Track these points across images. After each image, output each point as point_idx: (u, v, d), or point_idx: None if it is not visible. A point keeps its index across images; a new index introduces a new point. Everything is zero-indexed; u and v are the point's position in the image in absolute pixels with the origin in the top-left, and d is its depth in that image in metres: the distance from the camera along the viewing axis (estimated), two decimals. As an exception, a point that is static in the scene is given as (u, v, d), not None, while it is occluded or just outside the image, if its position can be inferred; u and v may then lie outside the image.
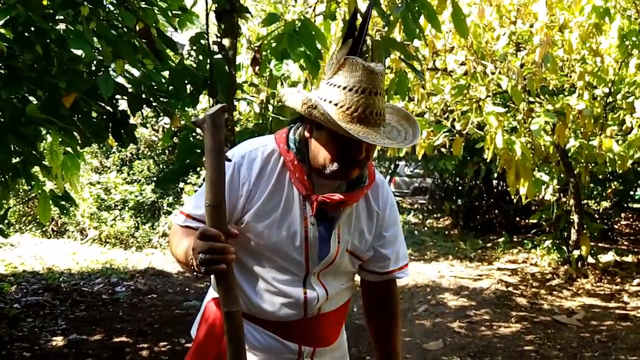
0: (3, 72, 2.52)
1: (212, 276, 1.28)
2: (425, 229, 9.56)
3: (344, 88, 1.19)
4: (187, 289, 5.23)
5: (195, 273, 1.15)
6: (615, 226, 8.58)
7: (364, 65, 1.19)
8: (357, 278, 1.51)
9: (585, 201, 6.89)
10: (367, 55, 1.26)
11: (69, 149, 3.50)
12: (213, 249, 1.07)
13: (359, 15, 1.30)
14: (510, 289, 5.42)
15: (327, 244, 1.32)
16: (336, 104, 1.19)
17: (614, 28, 4.33)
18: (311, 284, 1.33)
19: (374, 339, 1.55)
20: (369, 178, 1.36)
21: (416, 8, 2.72)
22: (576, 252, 5.71)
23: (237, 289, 1.15)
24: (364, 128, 1.18)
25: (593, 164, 5.48)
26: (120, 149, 7.96)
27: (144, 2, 2.92)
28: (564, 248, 6.12)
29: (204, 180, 1.27)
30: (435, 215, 10.93)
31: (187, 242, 1.21)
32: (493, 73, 4.63)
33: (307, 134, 1.29)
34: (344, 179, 1.29)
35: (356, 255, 1.38)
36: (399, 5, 2.75)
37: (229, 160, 1.15)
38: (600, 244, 7.13)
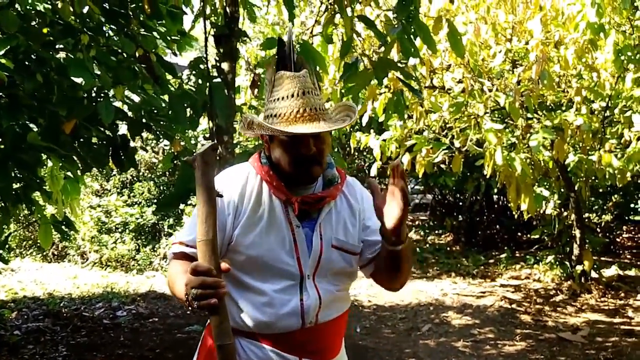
0: (4, 100, 2.53)
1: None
2: (427, 245, 9.52)
3: (279, 99, 1.34)
4: (188, 313, 5.19)
5: (190, 308, 1.17)
6: (617, 239, 8.54)
7: (286, 75, 1.36)
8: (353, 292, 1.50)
9: (586, 215, 6.87)
10: (301, 67, 1.39)
11: (69, 173, 3.51)
12: (205, 284, 1.11)
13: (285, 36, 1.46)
14: (514, 306, 5.39)
15: (312, 241, 1.41)
16: (275, 116, 1.34)
17: (609, 43, 4.37)
18: (306, 288, 1.38)
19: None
20: (340, 178, 1.48)
21: (412, 30, 2.76)
22: (579, 267, 5.68)
23: (229, 323, 1.18)
24: (304, 125, 1.32)
25: (593, 178, 5.49)
26: (120, 171, 7.97)
27: (143, 29, 2.95)
28: (567, 263, 6.09)
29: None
30: (436, 232, 10.90)
31: (181, 278, 1.24)
32: (490, 90, 4.66)
33: (266, 151, 1.44)
34: (309, 177, 1.40)
35: (344, 249, 1.43)
36: (396, 26, 2.78)
37: (221, 196, 1.20)
38: (602, 258, 7.09)
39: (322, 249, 1.40)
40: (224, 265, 1.18)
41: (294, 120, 1.32)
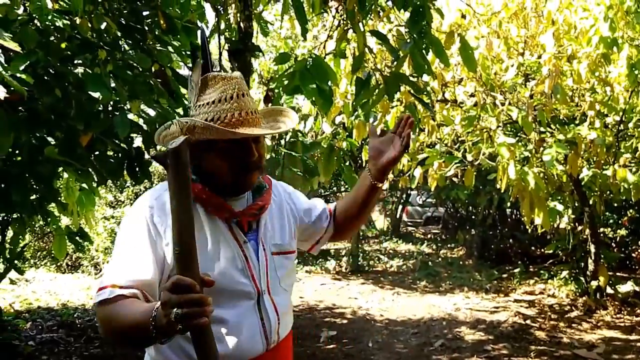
0: (23, 114, 2.58)
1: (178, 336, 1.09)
2: (439, 259, 9.47)
3: (213, 102, 1.23)
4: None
5: (156, 338, 1.01)
6: (633, 255, 8.42)
7: (221, 76, 1.25)
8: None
9: (601, 230, 6.79)
10: (220, 70, 1.32)
11: (84, 185, 3.56)
12: (191, 301, 0.95)
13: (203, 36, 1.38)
14: (528, 321, 5.32)
15: (257, 255, 1.34)
16: (212, 120, 1.22)
17: (622, 57, 4.35)
18: (265, 306, 1.30)
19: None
20: (265, 181, 1.42)
21: (424, 44, 2.78)
22: (594, 283, 5.61)
23: (215, 344, 1.05)
24: (245, 128, 1.22)
25: (608, 193, 5.44)
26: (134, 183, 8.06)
27: (159, 44, 3.00)
28: (582, 278, 6.02)
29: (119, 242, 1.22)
30: (449, 245, 10.84)
31: (133, 308, 1.08)
32: (503, 104, 4.66)
33: (197, 162, 1.28)
34: (247, 186, 1.32)
35: (283, 252, 1.39)
36: (408, 41, 2.80)
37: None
38: (618, 274, 7.00)
39: (266, 259, 1.34)
40: (207, 277, 1.03)
41: (237, 123, 1.22)
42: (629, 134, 5.20)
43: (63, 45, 2.71)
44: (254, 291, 1.29)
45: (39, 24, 2.60)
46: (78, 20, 2.62)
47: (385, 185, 5.52)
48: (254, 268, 1.30)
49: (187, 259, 0.99)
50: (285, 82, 2.85)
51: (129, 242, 1.21)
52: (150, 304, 1.06)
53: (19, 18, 2.43)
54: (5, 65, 2.27)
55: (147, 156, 3.36)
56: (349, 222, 1.56)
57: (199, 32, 1.42)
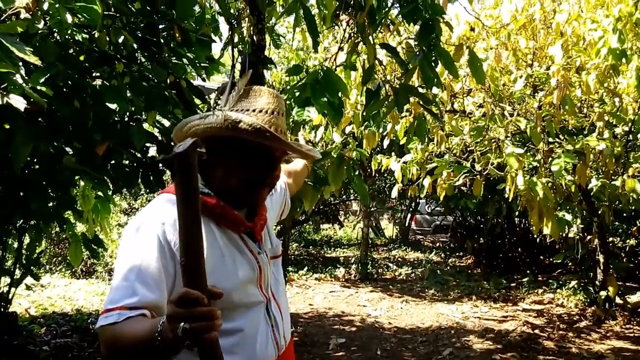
0: (42, 125, 2.66)
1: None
2: (448, 267, 9.47)
3: (253, 110, 1.23)
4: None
5: (164, 355, 0.96)
6: (643, 265, 8.39)
7: (268, 90, 1.27)
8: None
9: (610, 239, 6.78)
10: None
11: (100, 193, 3.64)
12: (198, 315, 0.90)
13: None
14: (536, 331, 5.33)
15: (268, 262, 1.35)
16: (249, 124, 1.19)
17: (631, 69, 4.38)
18: (272, 312, 1.31)
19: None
20: None
21: (433, 57, 2.83)
22: (603, 293, 5.60)
23: (223, 358, 1.00)
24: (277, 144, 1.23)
25: (617, 203, 5.44)
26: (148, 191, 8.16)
27: (174, 57, 3.08)
28: (590, 288, 6.02)
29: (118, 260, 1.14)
30: (457, 254, 10.82)
31: (141, 325, 1.03)
32: (511, 114, 4.69)
33: (208, 168, 1.23)
34: (255, 200, 1.31)
35: (276, 256, 1.41)
36: (417, 53, 2.86)
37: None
38: (627, 284, 6.97)
39: (269, 265, 1.36)
40: (216, 290, 0.96)
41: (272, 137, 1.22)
42: (637, 144, 5.21)
43: (82, 58, 2.79)
44: (264, 299, 1.30)
45: (58, 38, 2.69)
46: (96, 34, 2.71)
47: (395, 194, 5.53)
48: (265, 277, 1.31)
49: (195, 270, 0.93)
50: (297, 94, 2.91)
51: (138, 260, 1.11)
52: (155, 319, 1.01)
53: (39, 32, 2.51)
54: (26, 77, 2.36)
55: (161, 165, 3.44)
56: (292, 192, 1.82)
57: (243, 57, 1.48)
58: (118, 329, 1.04)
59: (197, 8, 3.24)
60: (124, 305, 1.06)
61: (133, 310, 1.06)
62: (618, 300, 5.74)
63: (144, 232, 1.15)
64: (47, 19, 2.65)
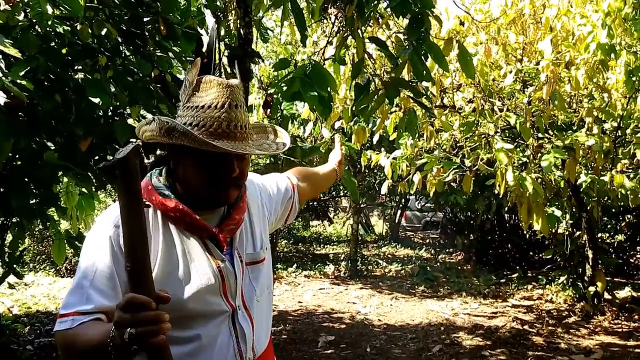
0: (22, 119, 2.59)
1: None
2: (438, 264, 9.48)
3: (202, 107, 1.14)
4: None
5: (116, 356, 0.93)
6: (631, 260, 8.44)
7: (217, 81, 1.15)
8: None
9: (599, 235, 6.81)
10: (220, 74, 1.23)
11: (84, 189, 3.57)
12: (145, 320, 0.88)
13: (206, 35, 1.30)
14: (525, 327, 5.34)
15: (234, 270, 1.25)
16: (196, 125, 1.13)
17: (620, 64, 4.39)
18: (239, 321, 1.24)
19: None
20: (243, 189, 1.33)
21: (423, 51, 2.80)
22: (592, 288, 5.62)
23: None
24: (230, 142, 1.13)
25: (605, 199, 5.46)
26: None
27: (159, 50, 3.02)
28: (579, 284, 6.04)
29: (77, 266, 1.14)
30: (447, 250, 10.85)
31: (92, 331, 1.01)
32: (501, 110, 4.68)
33: (172, 167, 1.21)
34: (223, 202, 1.23)
35: (256, 261, 1.32)
36: (407, 47, 2.82)
37: (148, 206, 1.01)
38: (616, 279, 7.02)
39: (242, 272, 1.27)
40: (163, 294, 0.95)
41: (222, 135, 1.13)
42: (626, 140, 5.22)
43: (64, 51, 2.72)
44: (229, 309, 1.22)
45: (39, 30, 2.61)
46: (79, 26, 2.64)
47: (384, 190, 5.51)
48: (230, 286, 1.23)
49: (140, 275, 0.92)
50: (285, 88, 2.87)
51: (92, 266, 1.10)
52: (109, 325, 0.97)
53: (20, 24, 2.44)
54: (6, 71, 2.29)
55: (146, 161, 3.38)
56: (306, 196, 1.71)
57: (210, 29, 1.33)
58: (72, 334, 1.04)
59: (182, 0, 3.17)
60: (78, 311, 1.06)
61: (86, 316, 1.05)
62: (607, 295, 5.77)
63: (98, 237, 1.14)
64: (27, 10, 2.58)
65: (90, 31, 2.62)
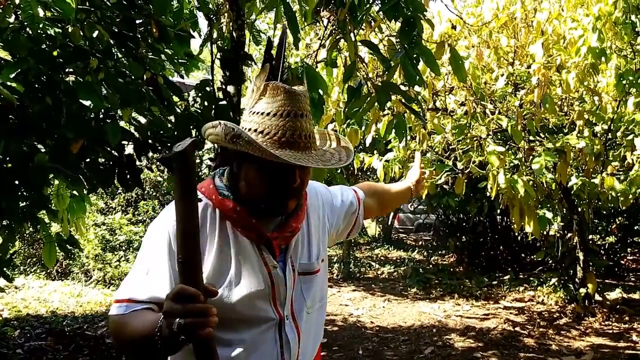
0: (12, 122, 2.58)
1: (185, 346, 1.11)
2: (430, 266, 9.50)
3: (267, 114, 1.14)
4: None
5: (163, 350, 0.97)
6: (622, 262, 8.50)
7: (284, 88, 1.15)
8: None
9: (590, 237, 6.86)
10: (287, 79, 1.23)
11: (75, 192, 3.55)
12: (193, 311, 0.91)
13: (276, 40, 1.30)
14: (517, 328, 5.36)
15: (285, 278, 1.25)
16: (261, 132, 1.13)
17: (610, 67, 4.42)
18: (286, 331, 1.23)
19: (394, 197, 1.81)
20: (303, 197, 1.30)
21: (415, 54, 2.81)
22: (583, 290, 5.65)
23: (219, 357, 1.01)
24: (293, 152, 1.12)
25: (596, 201, 5.49)
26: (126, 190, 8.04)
27: (151, 52, 3.01)
28: (570, 286, 6.07)
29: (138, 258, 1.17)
30: (440, 252, 10.87)
31: (142, 319, 1.05)
32: (493, 113, 4.70)
33: (235, 171, 1.22)
34: (282, 213, 1.22)
35: (310, 272, 1.31)
36: (399, 50, 2.83)
37: (200, 200, 1.01)
38: (607, 281, 7.07)
39: (294, 281, 1.26)
40: (211, 287, 0.98)
41: (286, 144, 1.12)
42: (617, 142, 5.26)
43: (55, 53, 2.71)
44: (276, 317, 1.22)
45: (30, 32, 2.60)
46: (70, 29, 2.63)
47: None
48: (280, 294, 1.23)
49: (191, 267, 0.95)
50: (277, 91, 2.86)
51: (150, 257, 1.16)
52: (157, 314, 1.01)
53: (10, 26, 2.43)
54: (-4, 73, 2.28)
55: (138, 163, 3.36)
56: (372, 213, 1.68)
57: (279, 32, 1.32)
58: (124, 320, 1.09)
59: (175, 3, 3.17)
60: (131, 299, 1.11)
61: (140, 304, 1.10)
62: (597, 297, 5.81)
63: (158, 230, 1.19)
64: (18, 12, 2.57)
65: (81, 33, 2.61)
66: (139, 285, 1.13)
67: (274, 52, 1.27)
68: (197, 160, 7.32)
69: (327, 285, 1.42)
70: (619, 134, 5.01)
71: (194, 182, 0.96)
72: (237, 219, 1.19)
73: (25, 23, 2.42)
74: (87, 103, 2.42)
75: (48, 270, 7.55)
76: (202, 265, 0.99)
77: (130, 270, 1.18)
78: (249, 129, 1.15)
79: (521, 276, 7.89)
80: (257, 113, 1.15)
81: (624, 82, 4.35)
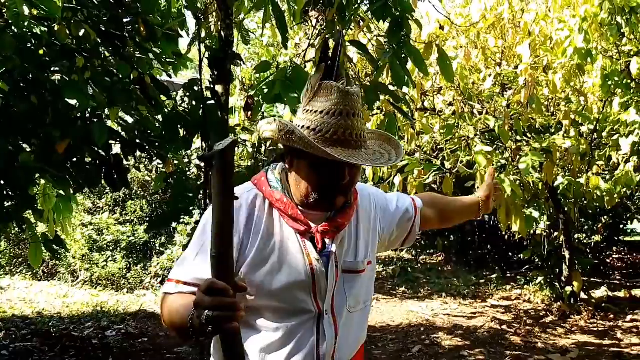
0: (-2, 121, 2.56)
1: (216, 343, 1.18)
2: (419, 265, 9.53)
3: (320, 112, 1.18)
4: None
5: (194, 336, 1.02)
6: (607, 260, 8.60)
7: (338, 88, 1.19)
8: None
9: (576, 236, 6.92)
10: (342, 79, 1.24)
11: (61, 192, 3.52)
12: (222, 305, 0.94)
13: (331, 41, 1.33)
14: (504, 327, 5.40)
15: (327, 273, 1.27)
16: (314, 129, 1.17)
17: (596, 68, 4.47)
18: (324, 326, 1.25)
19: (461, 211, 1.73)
20: (353, 196, 1.33)
21: (403, 55, 2.82)
22: (569, 288, 5.71)
23: (243, 351, 1.06)
24: (344, 150, 1.16)
25: (582, 200, 5.55)
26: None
27: (139, 51, 2.99)
28: (557, 284, 6.13)
29: (186, 246, 1.22)
30: (428, 251, 10.91)
31: (183, 304, 1.11)
32: (480, 113, 4.73)
33: (287, 166, 1.27)
34: (330, 208, 1.26)
35: (355, 271, 1.32)
36: (387, 50, 2.84)
37: (236, 198, 1.04)
38: (592, 279, 7.14)
39: (336, 278, 1.28)
40: (241, 283, 1.02)
41: (337, 142, 1.16)
42: (602, 142, 5.32)
43: (41, 52, 2.68)
44: (315, 310, 1.25)
45: (16, 31, 2.58)
46: (56, 27, 2.61)
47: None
48: (320, 287, 1.25)
49: (223, 262, 0.99)
50: (266, 91, 2.86)
51: (199, 242, 1.23)
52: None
53: (-5, 24, 2.41)
54: (-19, 72, 2.25)
55: (126, 163, 3.34)
56: (431, 224, 1.63)
57: (337, 36, 1.37)
58: (171, 299, 1.20)
59: (163, 1, 3.15)
60: (180, 280, 1.21)
61: (187, 286, 1.19)
62: (583, 295, 5.87)
63: (208, 217, 1.20)
64: (3, 11, 2.54)
65: (68, 32, 2.59)
66: (186, 267, 1.22)
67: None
68: (186, 160, 7.29)
69: (372, 288, 1.43)
70: (604, 134, 5.07)
71: (232, 180, 0.99)
72: (284, 210, 1.24)
73: (11, 22, 2.40)
74: (73, 102, 2.40)
75: (34, 271, 7.47)
76: (233, 260, 1.03)
77: (182, 255, 1.27)
78: (302, 126, 1.19)
79: (508, 275, 7.95)
80: (311, 111, 1.20)
81: (610, 82, 4.40)
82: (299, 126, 1.20)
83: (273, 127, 1.19)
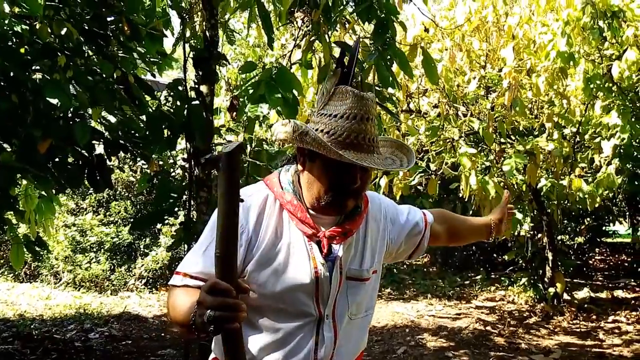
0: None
1: (217, 337, 1.19)
2: (404, 266, 9.57)
3: (335, 116, 1.20)
4: (162, 335, 5.12)
5: (197, 333, 1.03)
6: (590, 261, 8.71)
7: (353, 92, 1.20)
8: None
9: (559, 237, 7.00)
10: (356, 84, 1.26)
11: (44, 192, 3.47)
12: (224, 305, 0.95)
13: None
14: (488, 328, 5.43)
15: (330, 278, 1.27)
16: (327, 132, 1.19)
17: (579, 72, 4.53)
18: (323, 330, 1.26)
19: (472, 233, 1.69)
20: (363, 203, 1.33)
21: (388, 57, 2.83)
22: (552, 289, 5.77)
23: (245, 350, 1.07)
24: (357, 154, 1.18)
25: (565, 202, 5.61)
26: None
27: (121, 51, 2.96)
28: (540, 285, 6.19)
29: (195, 240, 1.22)
30: (414, 253, 10.95)
31: (188, 300, 1.11)
32: (465, 115, 4.77)
33: (299, 168, 1.27)
34: (340, 211, 1.27)
35: (359, 279, 1.32)
36: (373, 52, 2.85)
37: (242, 200, 1.04)
38: (575, 280, 7.22)
39: (340, 284, 1.28)
40: (244, 285, 1.03)
41: (350, 145, 1.18)
42: (585, 145, 5.39)
43: (22, 51, 2.65)
44: (316, 314, 1.25)
45: (-4, 28, 2.54)
46: (38, 25, 2.57)
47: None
48: (323, 292, 1.25)
49: (227, 263, 0.99)
50: (251, 91, 2.85)
51: (208, 237, 1.23)
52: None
53: (-25, 22, 2.37)
54: (-40, 70, 2.22)
55: (109, 163, 3.31)
56: (439, 240, 1.60)
57: (353, 42, 1.38)
58: (176, 292, 1.20)
59: (147, 0, 3.13)
60: (187, 273, 1.22)
61: (194, 280, 1.19)
62: (566, 296, 5.93)
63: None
64: (-17, 8, 2.51)
65: (49, 30, 2.55)
66: (194, 261, 1.23)
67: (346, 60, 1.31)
68: (171, 161, 7.23)
69: (376, 297, 1.43)
70: (586, 136, 5.13)
71: (238, 182, 1.00)
72: (293, 211, 1.25)
73: (-9, 19, 2.37)
74: (55, 101, 2.37)
75: (16, 273, 7.37)
76: (237, 261, 1.03)
77: (191, 249, 1.29)
78: (317, 129, 1.21)
79: (493, 276, 8.01)
80: (326, 115, 1.22)
81: (592, 86, 4.45)
82: (312, 129, 1.21)
83: (288, 129, 1.20)
